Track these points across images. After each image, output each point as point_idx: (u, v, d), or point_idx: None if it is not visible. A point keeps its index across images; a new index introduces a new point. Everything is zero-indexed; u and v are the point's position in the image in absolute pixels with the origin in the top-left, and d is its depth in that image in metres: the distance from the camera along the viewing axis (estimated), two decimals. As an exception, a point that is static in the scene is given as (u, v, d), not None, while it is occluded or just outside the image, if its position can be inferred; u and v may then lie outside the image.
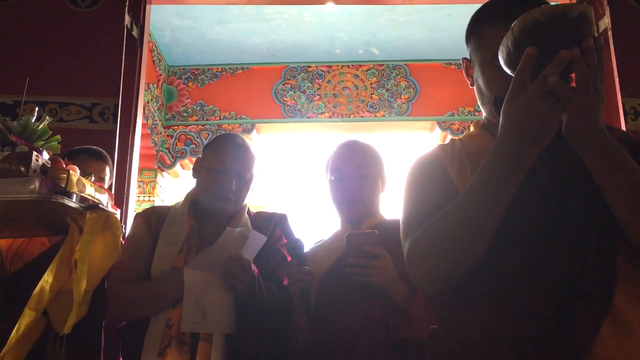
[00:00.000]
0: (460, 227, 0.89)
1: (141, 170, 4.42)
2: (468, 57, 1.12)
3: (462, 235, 0.88)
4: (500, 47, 0.85)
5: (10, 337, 1.27)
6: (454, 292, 0.94)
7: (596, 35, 0.80)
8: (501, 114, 0.85)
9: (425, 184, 1.05)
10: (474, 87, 1.10)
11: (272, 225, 1.66)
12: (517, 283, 0.88)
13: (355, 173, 1.62)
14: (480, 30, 1.05)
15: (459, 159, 1.05)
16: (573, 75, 0.81)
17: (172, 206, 1.70)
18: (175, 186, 5.00)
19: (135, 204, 3.28)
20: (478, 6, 1.09)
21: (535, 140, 0.82)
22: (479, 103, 1.09)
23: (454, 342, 0.94)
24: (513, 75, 0.83)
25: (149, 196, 4.67)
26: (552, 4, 0.83)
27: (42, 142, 1.33)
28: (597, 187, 0.87)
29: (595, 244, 0.87)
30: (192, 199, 1.68)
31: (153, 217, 1.63)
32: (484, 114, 1.10)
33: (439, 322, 1.03)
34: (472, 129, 1.14)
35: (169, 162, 4.57)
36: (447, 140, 1.17)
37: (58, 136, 1.39)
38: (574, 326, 0.83)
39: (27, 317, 1.29)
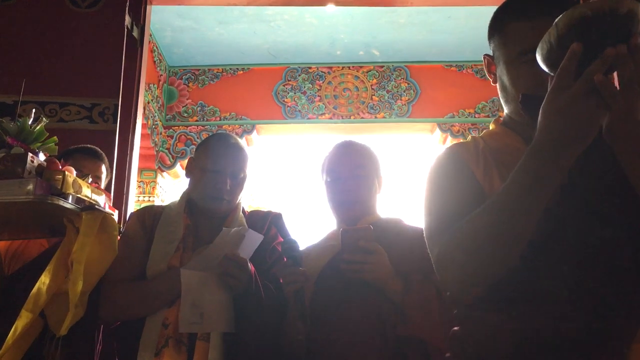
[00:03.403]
0: (496, 230, 0.85)
1: (141, 170, 4.41)
2: (490, 53, 1.09)
3: (498, 238, 0.85)
4: (540, 44, 0.81)
5: (7, 338, 1.27)
6: (485, 295, 0.92)
7: None
8: (540, 113, 0.81)
9: (450, 184, 1.02)
10: (497, 84, 1.07)
11: (267, 223, 1.66)
12: (550, 287, 0.86)
13: (351, 174, 1.60)
14: (504, 26, 1.02)
15: (484, 158, 1.02)
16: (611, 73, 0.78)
17: (167, 205, 1.69)
18: (175, 186, 4.99)
19: (135, 205, 3.27)
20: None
21: (576, 140, 0.79)
22: (502, 101, 1.06)
23: (478, 345, 0.92)
24: (550, 73, 0.80)
25: (149, 196, 4.66)
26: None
27: (38, 144, 1.32)
28: (634, 192, 0.85)
29: (632, 247, 0.86)
30: (188, 198, 1.67)
31: (148, 216, 1.62)
32: (505, 111, 1.07)
33: (461, 325, 1.00)
34: (492, 127, 1.11)
35: (169, 162, 4.57)
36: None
37: (55, 137, 1.39)
38: (607, 332, 0.82)
39: (23, 319, 1.28)
